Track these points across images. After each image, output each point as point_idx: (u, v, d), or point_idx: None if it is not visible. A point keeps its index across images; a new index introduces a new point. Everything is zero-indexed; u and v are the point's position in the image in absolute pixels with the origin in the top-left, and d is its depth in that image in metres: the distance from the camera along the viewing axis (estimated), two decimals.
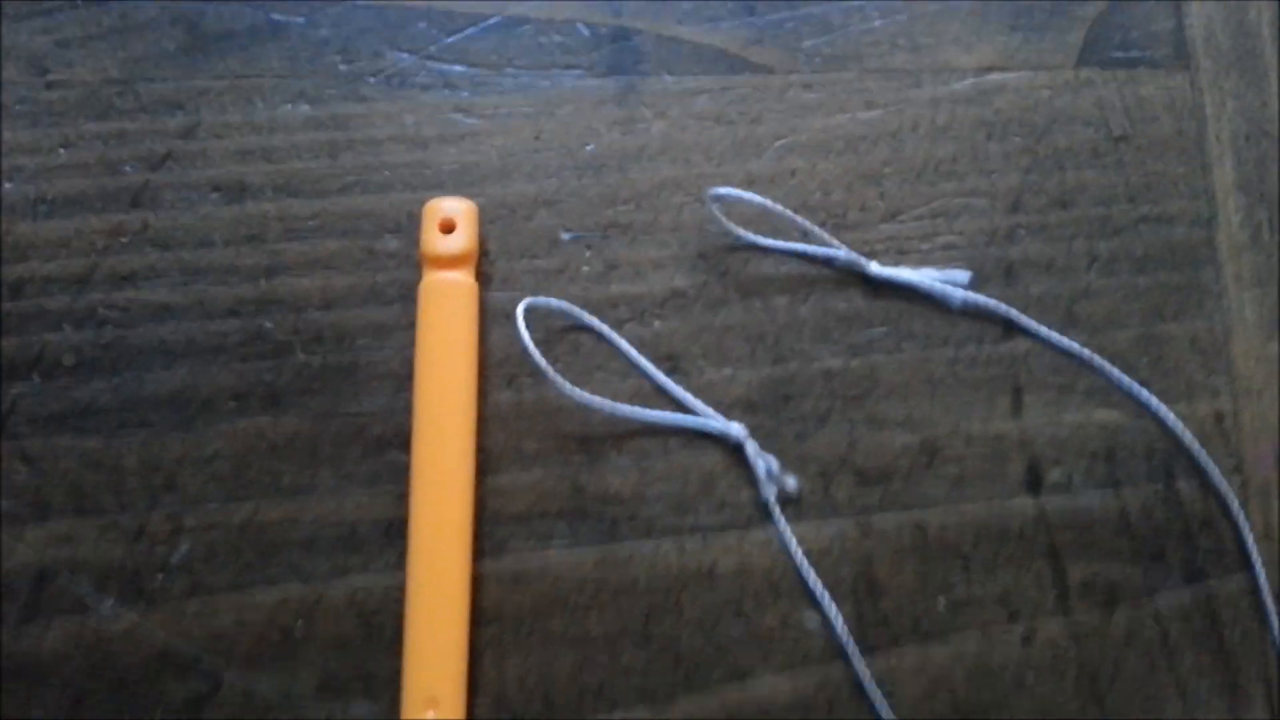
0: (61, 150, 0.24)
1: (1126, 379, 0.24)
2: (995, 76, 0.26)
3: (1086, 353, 0.24)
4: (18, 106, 0.24)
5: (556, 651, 0.22)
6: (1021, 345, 0.25)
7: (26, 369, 0.23)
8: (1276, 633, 0.23)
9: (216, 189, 0.24)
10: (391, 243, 0.24)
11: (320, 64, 0.25)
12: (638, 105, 0.25)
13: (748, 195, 0.24)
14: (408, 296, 0.23)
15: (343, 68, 0.25)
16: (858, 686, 0.22)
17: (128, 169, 0.24)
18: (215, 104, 0.24)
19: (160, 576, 0.22)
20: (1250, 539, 0.24)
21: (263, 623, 0.22)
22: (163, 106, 0.24)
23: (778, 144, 0.25)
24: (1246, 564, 0.24)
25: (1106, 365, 0.24)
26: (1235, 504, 0.24)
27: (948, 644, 0.23)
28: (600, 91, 0.25)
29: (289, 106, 0.25)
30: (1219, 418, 0.25)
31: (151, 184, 0.24)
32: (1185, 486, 0.24)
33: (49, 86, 0.24)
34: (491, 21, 0.25)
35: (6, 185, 0.23)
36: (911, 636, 0.23)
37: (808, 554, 0.23)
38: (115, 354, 0.23)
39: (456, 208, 0.23)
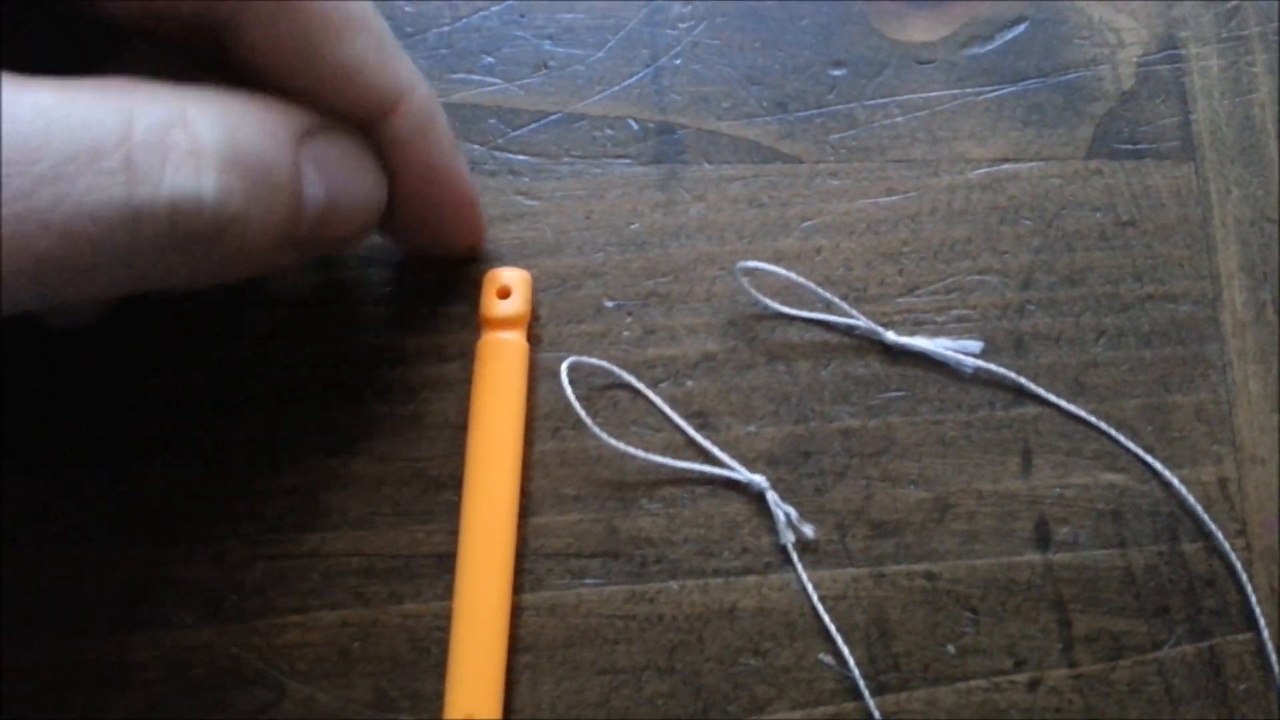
0: None
1: (1132, 444, 0.26)
2: (1008, 166, 0.29)
3: (1093, 419, 0.26)
4: None
5: (586, 679, 0.24)
6: (1031, 411, 0.26)
7: (135, 409, 0.26)
8: None
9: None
10: (455, 307, 0.27)
11: None
12: (678, 190, 0.28)
13: (775, 269, 0.26)
14: (466, 354, 0.26)
15: None
16: None
17: None
18: None
19: (235, 597, 0.24)
20: (1255, 600, 0.25)
21: (324, 641, 0.24)
22: None
23: (804, 225, 0.28)
24: (1251, 623, 0.25)
25: (1113, 431, 0.26)
26: (1239, 566, 0.25)
27: (955, 687, 0.24)
28: (645, 178, 0.28)
29: None
30: (1223, 483, 0.26)
31: None
32: (1190, 548, 0.25)
33: None
34: (553, 118, 0.29)
35: None
36: (921, 680, 0.24)
37: (823, 599, 0.25)
38: (209, 399, 0.26)
39: (513, 276, 0.26)
